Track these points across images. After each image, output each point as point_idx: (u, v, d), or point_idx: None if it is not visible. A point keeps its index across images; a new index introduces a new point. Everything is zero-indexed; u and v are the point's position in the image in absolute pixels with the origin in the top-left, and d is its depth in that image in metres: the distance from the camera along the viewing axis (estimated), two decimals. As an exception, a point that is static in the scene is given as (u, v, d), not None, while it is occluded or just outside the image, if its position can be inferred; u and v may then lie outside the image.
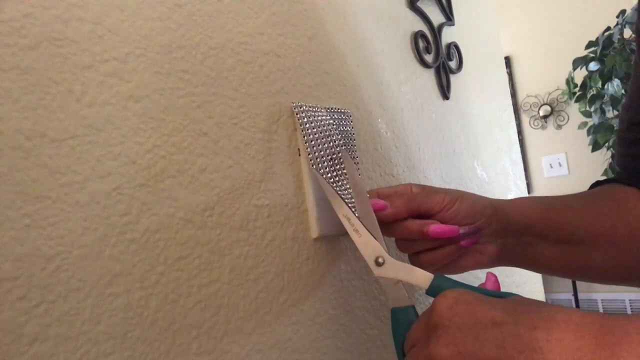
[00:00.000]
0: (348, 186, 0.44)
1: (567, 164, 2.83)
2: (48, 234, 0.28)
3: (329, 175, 0.43)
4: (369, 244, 0.41)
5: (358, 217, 0.41)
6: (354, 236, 0.41)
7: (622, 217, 0.49)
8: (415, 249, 0.46)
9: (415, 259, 0.47)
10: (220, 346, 0.36)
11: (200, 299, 0.36)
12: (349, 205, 0.42)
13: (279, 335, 0.41)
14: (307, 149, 0.44)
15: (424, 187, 0.47)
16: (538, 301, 0.32)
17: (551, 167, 2.88)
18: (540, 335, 0.28)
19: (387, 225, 0.44)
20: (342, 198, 0.42)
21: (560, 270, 0.50)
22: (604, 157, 2.51)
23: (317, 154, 0.44)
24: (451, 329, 0.31)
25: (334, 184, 0.43)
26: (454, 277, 0.39)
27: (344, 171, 0.45)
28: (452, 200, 0.44)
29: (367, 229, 0.41)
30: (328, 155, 0.45)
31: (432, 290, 0.37)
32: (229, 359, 0.37)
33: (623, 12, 2.21)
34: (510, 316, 0.30)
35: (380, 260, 0.41)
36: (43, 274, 0.28)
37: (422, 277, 0.38)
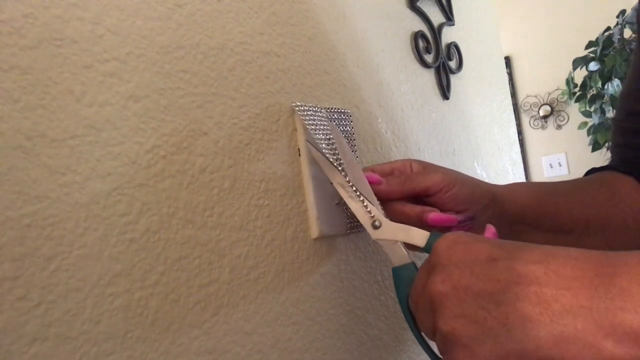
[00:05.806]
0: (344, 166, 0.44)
1: (567, 164, 2.83)
2: (48, 234, 0.28)
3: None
4: (364, 208, 0.41)
5: (352, 185, 0.41)
6: (349, 202, 0.42)
7: (615, 205, 0.49)
8: None
9: None
10: (220, 346, 0.36)
11: (200, 299, 0.36)
12: (343, 173, 0.42)
13: (279, 335, 0.41)
14: (305, 148, 0.44)
15: (424, 165, 0.46)
16: (536, 244, 0.31)
17: (551, 167, 2.87)
18: (537, 268, 0.27)
19: (386, 207, 0.43)
20: (335, 167, 0.42)
21: None
22: (604, 157, 2.51)
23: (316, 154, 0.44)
24: (448, 266, 0.31)
25: (330, 157, 0.43)
26: None
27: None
28: (451, 183, 0.43)
29: (362, 194, 0.41)
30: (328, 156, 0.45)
31: (429, 247, 0.38)
32: (228, 359, 0.37)
33: (623, 12, 2.21)
34: (506, 252, 0.29)
35: (377, 223, 0.41)
36: (43, 274, 0.28)
37: (419, 236, 0.39)
